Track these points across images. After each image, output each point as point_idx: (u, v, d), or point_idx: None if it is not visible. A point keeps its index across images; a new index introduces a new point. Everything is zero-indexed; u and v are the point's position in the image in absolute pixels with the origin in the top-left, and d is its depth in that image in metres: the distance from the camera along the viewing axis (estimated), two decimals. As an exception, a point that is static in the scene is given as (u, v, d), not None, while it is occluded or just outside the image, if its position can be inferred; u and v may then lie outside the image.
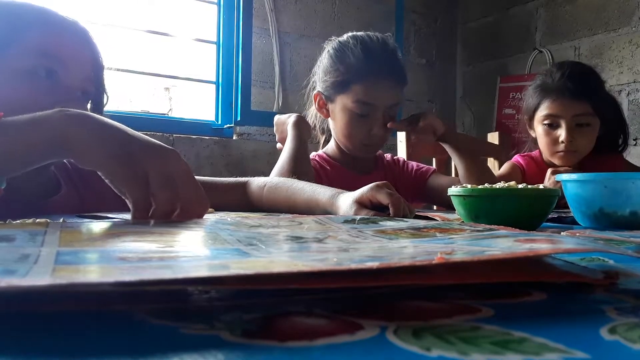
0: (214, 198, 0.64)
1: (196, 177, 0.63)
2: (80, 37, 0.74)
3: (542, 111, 1.25)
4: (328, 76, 1.06)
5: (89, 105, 0.77)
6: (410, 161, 1.26)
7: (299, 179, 0.81)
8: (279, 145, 1.13)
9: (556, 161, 1.27)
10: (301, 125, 1.05)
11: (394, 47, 1.08)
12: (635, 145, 2.18)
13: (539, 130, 1.28)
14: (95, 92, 0.76)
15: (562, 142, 1.22)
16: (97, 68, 0.76)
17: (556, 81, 1.23)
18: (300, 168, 0.96)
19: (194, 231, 0.40)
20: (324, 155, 1.14)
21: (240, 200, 0.81)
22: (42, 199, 0.71)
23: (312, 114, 1.16)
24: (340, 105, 1.06)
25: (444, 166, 1.42)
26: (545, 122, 1.25)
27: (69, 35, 0.72)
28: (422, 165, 1.21)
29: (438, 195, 1.11)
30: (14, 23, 0.68)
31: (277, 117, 1.13)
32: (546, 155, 1.30)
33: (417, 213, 0.69)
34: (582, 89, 1.20)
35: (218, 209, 0.67)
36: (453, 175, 1.40)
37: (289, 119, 1.06)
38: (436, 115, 1.17)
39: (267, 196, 0.79)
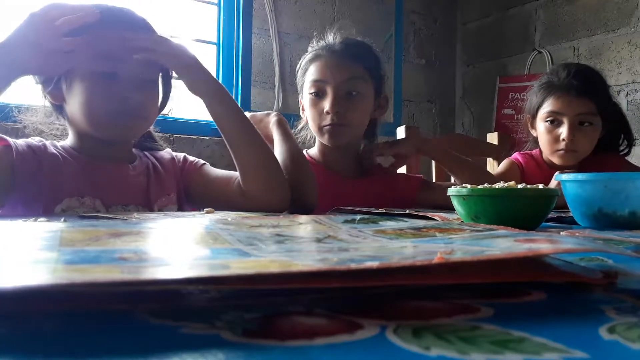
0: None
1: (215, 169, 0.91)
2: (132, 27, 0.78)
3: (546, 108, 1.25)
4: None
5: (160, 84, 0.85)
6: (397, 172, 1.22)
7: (304, 179, 0.86)
8: None
9: (556, 160, 1.27)
10: (285, 123, 1.00)
11: (352, 38, 1.07)
12: (634, 145, 2.18)
13: (540, 128, 1.27)
14: (162, 68, 0.84)
15: (563, 139, 1.22)
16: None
17: (562, 79, 1.23)
18: (303, 167, 0.91)
19: (194, 231, 0.40)
20: (306, 154, 1.10)
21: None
22: (116, 163, 0.83)
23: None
24: (305, 96, 1.05)
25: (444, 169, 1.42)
26: (548, 119, 1.24)
27: (120, 29, 0.76)
28: (411, 175, 1.18)
29: (432, 205, 1.04)
30: (75, 30, 0.73)
31: (250, 114, 1.02)
32: (546, 153, 1.29)
33: (417, 213, 0.69)
34: (587, 87, 1.20)
35: (217, 208, 0.67)
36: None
37: (270, 117, 1.00)
38: (413, 134, 1.18)
39: None
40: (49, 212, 0.72)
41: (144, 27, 0.81)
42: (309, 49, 1.07)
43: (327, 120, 1.01)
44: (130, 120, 0.78)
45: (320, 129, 1.04)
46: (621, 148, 1.35)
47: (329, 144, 1.05)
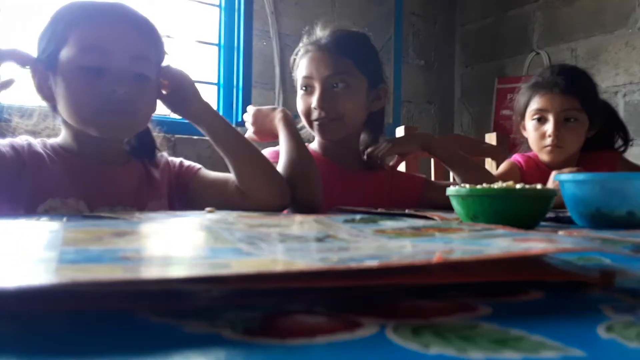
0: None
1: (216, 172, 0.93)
2: (122, 20, 0.77)
3: (532, 106, 1.28)
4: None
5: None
6: (400, 171, 1.23)
7: (309, 178, 0.87)
8: (249, 134, 1.04)
9: (544, 157, 1.29)
10: (291, 120, 0.98)
11: (344, 29, 1.06)
12: (631, 146, 2.18)
13: (529, 126, 1.31)
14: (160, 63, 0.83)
15: (549, 136, 1.24)
16: (151, 42, 0.80)
17: (546, 78, 1.27)
18: (309, 166, 0.90)
19: (196, 231, 0.40)
20: (310, 149, 1.08)
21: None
22: (107, 164, 0.81)
23: None
24: (299, 91, 1.06)
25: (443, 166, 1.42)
26: (535, 117, 1.28)
27: (109, 22, 0.75)
28: (415, 175, 1.18)
29: (435, 204, 1.02)
30: (60, 25, 0.75)
31: (255, 109, 1.04)
32: (535, 150, 1.32)
33: (416, 213, 0.69)
34: (570, 85, 1.24)
35: (219, 207, 0.67)
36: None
37: (275, 113, 0.98)
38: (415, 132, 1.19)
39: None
40: (31, 212, 0.70)
41: (136, 19, 0.79)
42: (300, 44, 1.07)
43: (315, 115, 1.02)
44: (115, 117, 0.74)
45: (310, 124, 1.04)
46: (617, 145, 1.37)
47: (322, 139, 1.06)
